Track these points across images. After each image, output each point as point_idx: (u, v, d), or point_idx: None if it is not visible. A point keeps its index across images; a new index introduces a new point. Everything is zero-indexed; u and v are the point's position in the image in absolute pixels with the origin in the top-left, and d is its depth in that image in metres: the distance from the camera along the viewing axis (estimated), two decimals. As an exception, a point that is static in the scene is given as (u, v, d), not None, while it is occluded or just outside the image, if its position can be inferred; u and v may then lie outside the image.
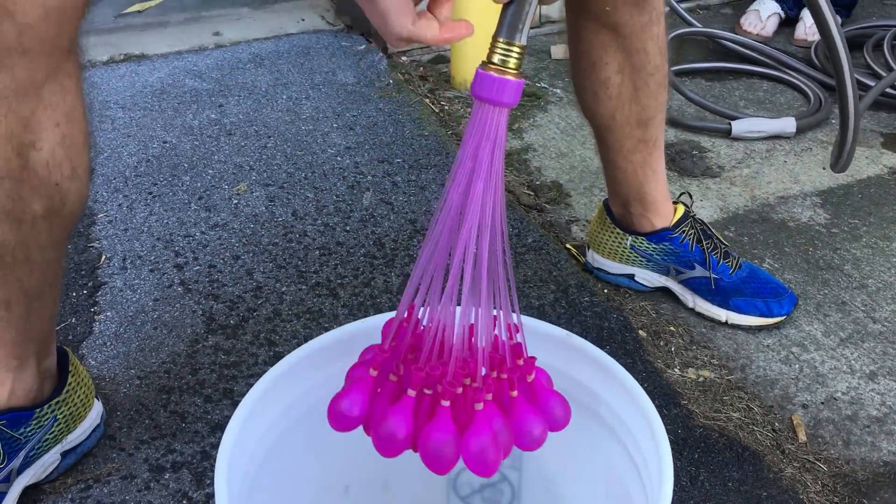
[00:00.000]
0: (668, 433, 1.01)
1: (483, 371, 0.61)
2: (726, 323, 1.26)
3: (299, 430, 0.70)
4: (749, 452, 1.04)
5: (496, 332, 0.64)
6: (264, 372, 1.14)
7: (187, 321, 1.24)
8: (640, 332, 1.24)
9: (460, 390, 0.59)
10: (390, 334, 0.65)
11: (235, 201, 1.53)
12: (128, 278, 1.33)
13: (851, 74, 1.01)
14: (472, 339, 0.61)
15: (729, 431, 1.08)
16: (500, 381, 0.63)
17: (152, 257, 1.38)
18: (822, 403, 1.13)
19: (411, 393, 0.60)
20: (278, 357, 1.17)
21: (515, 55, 0.55)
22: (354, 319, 1.26)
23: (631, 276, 1.31)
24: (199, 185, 1.58)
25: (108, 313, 1.26)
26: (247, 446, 0.64)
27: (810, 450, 1.06)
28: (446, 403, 0.59)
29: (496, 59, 0.55)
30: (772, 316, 1.24)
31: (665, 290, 1.31)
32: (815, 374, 1.17)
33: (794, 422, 1.10)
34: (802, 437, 1.08)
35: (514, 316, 0.63)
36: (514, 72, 0.55)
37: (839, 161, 1.15)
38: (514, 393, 0.63)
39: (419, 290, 0.62)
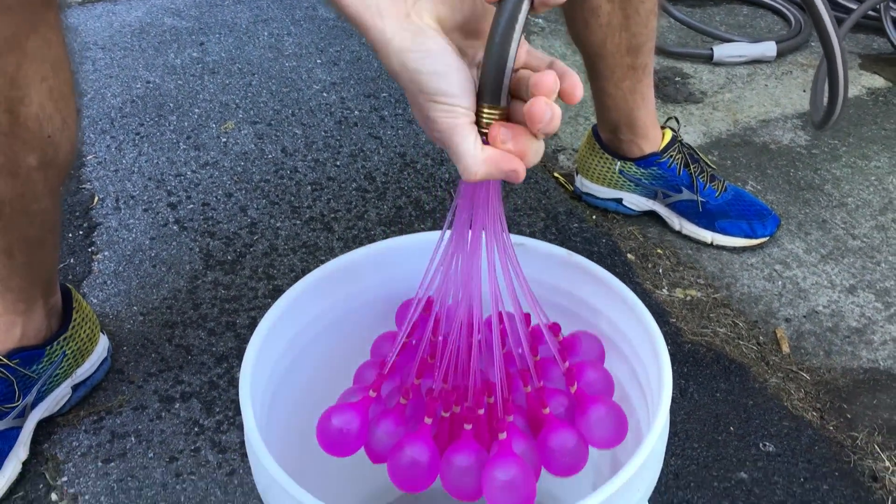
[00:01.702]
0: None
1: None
2: (712, 244, 1.29)
3: (314, 349, 0.72)
4: (735, 365, 1.09)
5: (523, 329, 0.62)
6: (265, 304, 1.18)
7: (185, 258, 1.26)
8: (629, 255, 1.27)
9: (482, 411, 0.58)
10: (397, 345, 0.62)
11: (224, 139, 1.53)
12: (122, 218, 1.35)
13: (843, 56, 1.05)
14: (497, 347, 0.60)
15: (716, 346, 1.12)
16: (537, 392, 0.61)
17: (145, 197, 1.39)
18: (805, 317, 1.18)
19: (427, 421, 0.58)
20: (277, 290, 1.20)
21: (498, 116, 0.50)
22: (350, 251, 1.28)
23: (619, 201, 1.34)
24: (185, 124, 1.58)
25: (106, 253, 1.28)
26: (264, 369, 0.66)
27: (793, 360, 1.11)
28: (468, 427, 0.58)
29: (482, 123, 0.50)
30: (756, 237, 1.28)
31: (652, 214, 1.35)
32: (797, 290, 1.22)
33: (778, 335, 1.14)
34: (786, 348, 1.12)
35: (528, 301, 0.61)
36: None
37: (828, 121, 1.17)
38: (547, 410, 0.60)
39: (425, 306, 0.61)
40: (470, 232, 0.58)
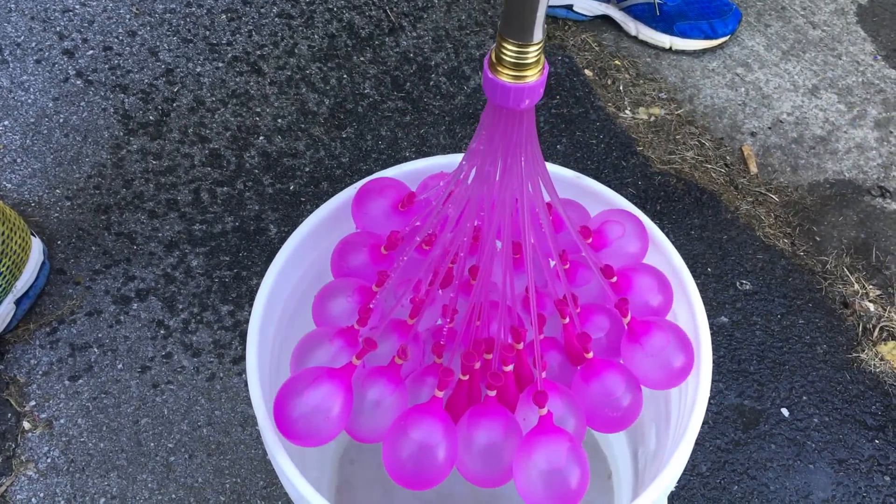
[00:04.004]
0: (628, 185, 1.02)
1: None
2: (671, 49, 1.22)
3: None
4: (707, 195, 1.07)
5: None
6: (205, 174, 1.07)
7: (100, 122, 1.12)
8: (587, 71, 1.19)
9: (510, 367, 0.45)
10: (395, 273, 0.48)
11: (109, -44, 1.31)
12: (13, 74, 1.17)
13: None
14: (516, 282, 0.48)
15: (685, 174, 1.09)
16: (575, 328, 0.48)
17: (33, 44, 1.20)
18: (770, 129, 1.14)
19: (439, 394, 0.44)
20: (215, 154, 1.09)
21: (533, 53, 0.42)
22: (287, 98, 1.16)
23: (569, 7, 1.23)
24: (57, -63, 1.33)
25: (6, 122, 1.12)
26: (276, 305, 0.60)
27: (761, 181, 1.09)
28: (492, 393, 0.44)
29: (508, 61, 0.41)
30: (716, 37, 1.21)
31: (605, 18, 1.24)
32: (760, 97, 1.17)
33: (745, 153, 1.12)
34: (753, 168, 1.10)
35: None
36: (535, 70, 0.42)
37: None
38: (590, 354, 0.47)
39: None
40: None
